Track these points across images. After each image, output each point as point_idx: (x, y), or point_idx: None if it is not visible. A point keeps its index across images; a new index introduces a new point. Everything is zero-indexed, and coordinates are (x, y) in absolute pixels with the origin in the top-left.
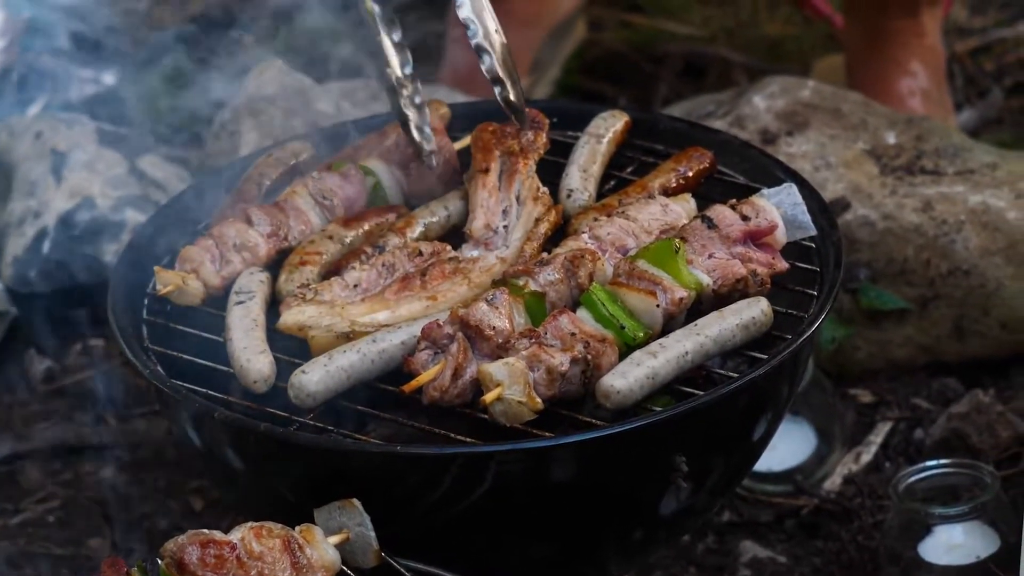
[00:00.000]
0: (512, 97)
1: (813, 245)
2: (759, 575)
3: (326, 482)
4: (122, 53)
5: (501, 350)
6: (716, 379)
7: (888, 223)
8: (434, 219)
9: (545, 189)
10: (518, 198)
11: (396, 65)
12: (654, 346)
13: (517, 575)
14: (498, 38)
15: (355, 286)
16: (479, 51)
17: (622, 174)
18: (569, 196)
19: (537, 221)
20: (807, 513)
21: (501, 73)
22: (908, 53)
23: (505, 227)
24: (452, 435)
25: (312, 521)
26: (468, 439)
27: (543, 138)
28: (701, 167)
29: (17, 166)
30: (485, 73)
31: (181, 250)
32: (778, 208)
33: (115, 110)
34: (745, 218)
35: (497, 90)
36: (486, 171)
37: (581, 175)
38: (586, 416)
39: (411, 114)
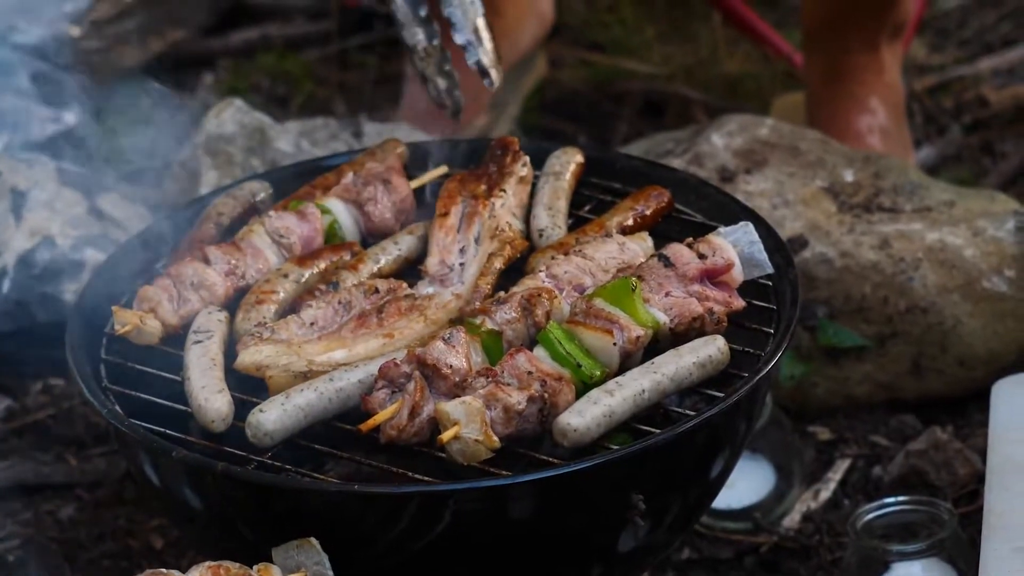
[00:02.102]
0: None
1: (770, 283)
2: None
3: (284, 521)
4: (82, 92)
5: (458, 389)
6: (673, 417)
7: (846, 261)
8: (388, 256)
9: (510, 223)
10: (476, 239)
11: (422, 36)
12: (611, 384)
13: None
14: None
15: (311, 324)
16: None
17: (580, 212)
18: (541, 236)
19: (491, 256)
20: (766, 550)
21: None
22: (867, 90)
23: (461, 264)
24: (410, 474)
25: (270, 560)
26: (426, 478)
27: (517, 170)
28: (659, 205)
29: None
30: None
31: (139, 289)
32: (735, 246)
33: (75, 149)
34: (702, 256)
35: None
36: (446, 215)
37: (548, 213)
38: (543, 454)
39: (440, 81)
